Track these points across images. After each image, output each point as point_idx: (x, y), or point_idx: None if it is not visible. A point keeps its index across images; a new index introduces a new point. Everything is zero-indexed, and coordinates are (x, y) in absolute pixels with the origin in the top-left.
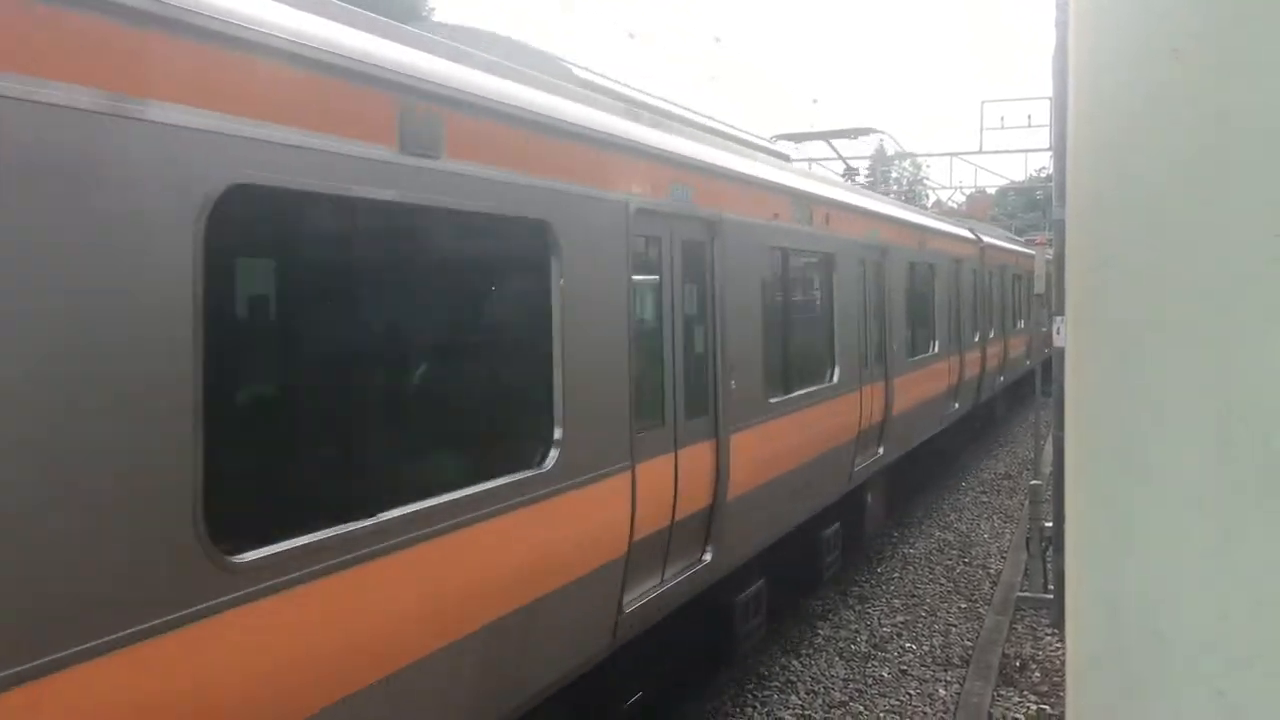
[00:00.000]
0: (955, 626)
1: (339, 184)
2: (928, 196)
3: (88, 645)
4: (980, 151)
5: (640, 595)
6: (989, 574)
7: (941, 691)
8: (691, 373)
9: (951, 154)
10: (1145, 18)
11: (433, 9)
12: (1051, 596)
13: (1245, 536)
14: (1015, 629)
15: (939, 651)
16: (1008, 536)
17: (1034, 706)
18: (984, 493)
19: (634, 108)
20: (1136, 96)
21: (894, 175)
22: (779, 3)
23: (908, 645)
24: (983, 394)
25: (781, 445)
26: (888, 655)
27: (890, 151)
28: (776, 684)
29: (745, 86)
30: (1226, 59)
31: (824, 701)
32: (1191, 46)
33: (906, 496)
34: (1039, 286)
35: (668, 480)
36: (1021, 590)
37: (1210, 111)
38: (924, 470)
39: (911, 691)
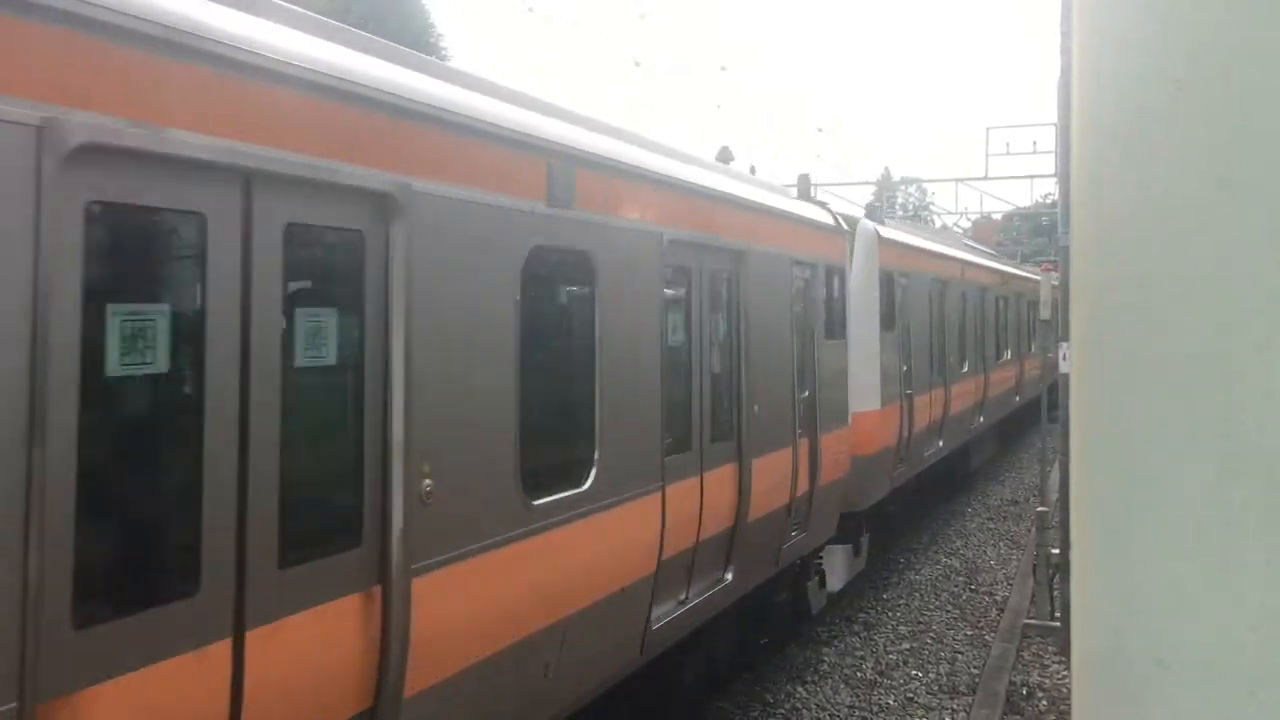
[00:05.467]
0: (962, 654)
1: None
2: (934, 221)
3: None
4: (986, 178)
5: None
6: (996, 601)
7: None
8: (314, 475)
9: (957, 179)
10: (1148, 49)
11: (441, 35)
12: (1059, 624)
13: (1247, 564)
14: (1022, 656)
15: (945, 679)
16: (1015, 563)
17: None
18: (991, 519)
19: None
20: (1139, 127)
21: (900, 200)
22: (785, 33)
23: (914, 673)
24: (946, 445)
25: (562, 573)
26: (894, 683)
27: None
28: (782, 711)
29: (751, 115)
30: (1229, 90)
31: None
32: (1194, 78)
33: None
34: (1045, 313)
35: (214, 700)
36: (1029, 617)
37: (1213, 142)
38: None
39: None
